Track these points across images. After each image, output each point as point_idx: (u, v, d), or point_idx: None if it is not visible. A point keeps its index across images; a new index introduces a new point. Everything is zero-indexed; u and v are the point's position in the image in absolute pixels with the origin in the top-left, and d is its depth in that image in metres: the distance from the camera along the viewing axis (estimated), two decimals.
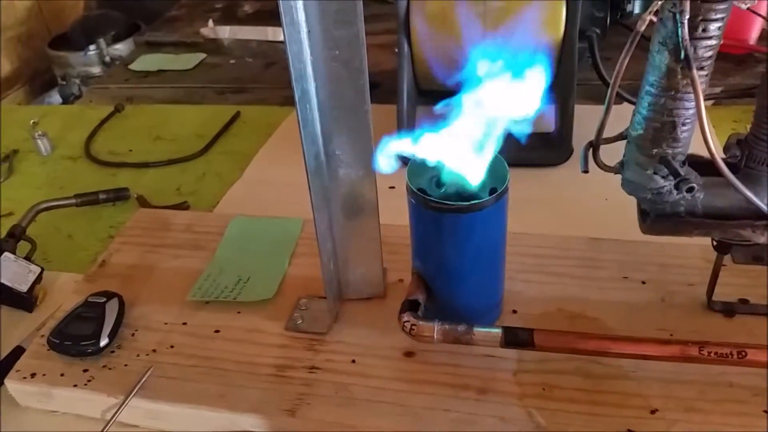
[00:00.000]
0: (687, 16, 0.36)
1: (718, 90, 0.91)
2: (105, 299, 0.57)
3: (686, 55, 0.37)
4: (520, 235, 0.58)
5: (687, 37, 0.37)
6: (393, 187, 0.74)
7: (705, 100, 0.60)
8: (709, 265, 0.52)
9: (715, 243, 0.48)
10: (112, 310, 0.57)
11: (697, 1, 0.37)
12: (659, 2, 0.36)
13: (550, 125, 0.78)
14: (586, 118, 0.77)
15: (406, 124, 0.79)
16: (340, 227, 0.53)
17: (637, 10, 0.77)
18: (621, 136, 0.44)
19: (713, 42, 0.38)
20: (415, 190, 0.47)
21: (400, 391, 0.49)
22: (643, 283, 0.56)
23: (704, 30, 0.38)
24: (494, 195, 0.46)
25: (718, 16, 0.37)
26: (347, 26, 0.44)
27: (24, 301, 0.67)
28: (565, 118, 0.74)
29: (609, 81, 0.74)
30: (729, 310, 0.52)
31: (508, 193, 0.47)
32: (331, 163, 0.50)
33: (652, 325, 0.52)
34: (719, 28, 0.38)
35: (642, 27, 0.37)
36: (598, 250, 0.59)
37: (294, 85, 0.43)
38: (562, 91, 0.73)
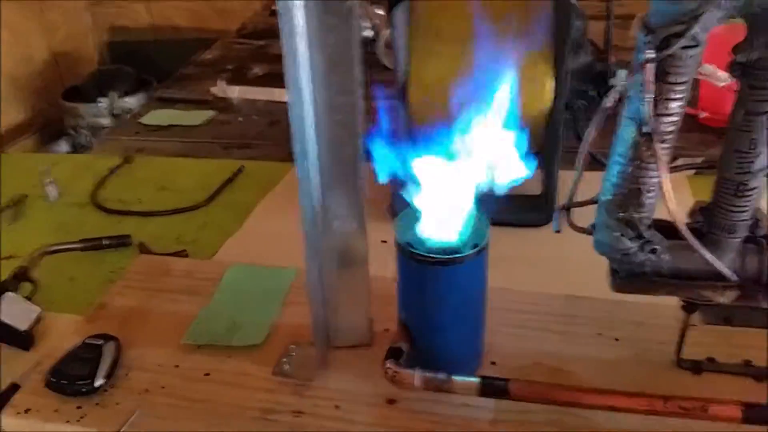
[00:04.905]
0: (651, 96, 0.40)
1: (699, 160, 0.95)
2: (102, 341, 0.60)
3: (650, 131, 0.41)
4: (503, 290, 0.60)
5: (650, 114, 0.41)
6: (385, 242, 0.77)
7: (687, 169, 0.64)
8: (680, 324, 0.54)
9: (682, 303, 0.51)
10: (108, 352, 0.59)
11: (659, 83, 0.41)
12: (624, 83, 0.41)
13: (536, 188, 0.82)
14: (570, 182, 0.81)
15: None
16: (331, 277, 0.56)
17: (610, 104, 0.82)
18: (592, 201, 0.48)
19: (674, 118, 0.42)
20: (401, 242, 0.51)
21: None
22: (617, 340, 0.58)
23: (666, 108, 0.42)
24: (474, 250, 0.49)
25: (678, 96, 0.42)
26: (347, 95, 0.48)
27: (22, 340, 0.69)
28: (550, 182, 0.78)
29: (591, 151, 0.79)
30: (697, 368, 0.54)
31: (487, 249, 0.50)
32: (325, 216, 0.54)
33: (624, 380, 0.54)
34: (680, 106, 0.42)
35: (608, 104, 0.41)
36: (575, 307, 0.61)
37: (295, 144, 0.47)
38: (548, 158, 0.78)
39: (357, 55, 0.47)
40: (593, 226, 0.48)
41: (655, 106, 0.42)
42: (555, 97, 0.77)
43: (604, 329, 0.59)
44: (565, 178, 0.79)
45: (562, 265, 0.71)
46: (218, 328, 0.63)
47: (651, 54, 0.40)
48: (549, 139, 0.77)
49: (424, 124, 0.84)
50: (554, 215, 0.47)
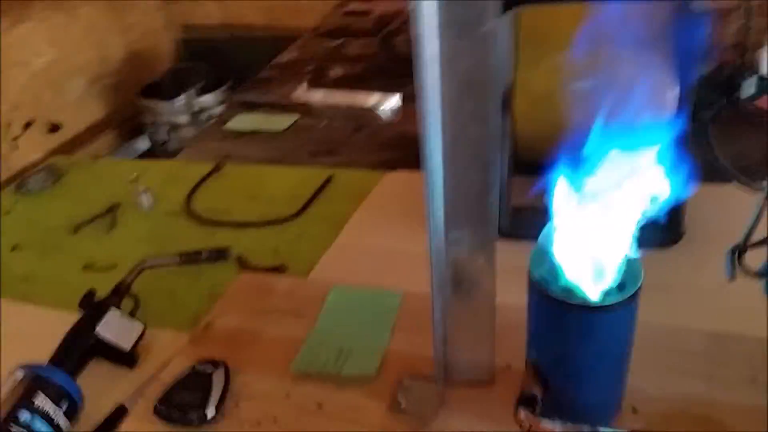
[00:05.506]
0: None
1: None
2: (212, 368, 0.58)
3: None
4: (638, 323, 0.55)
5: None
6: None
7: None
8: None
9: None
10: (218, 380, 0.57)
11: None
12: None
13: None
14: (696, 198, 0.75)
15: (504, 197, 0.79)
16: (455, 311, 0.53)
17: (751, 93, 0.75)
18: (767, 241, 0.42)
19: None
20: (537, 280, 0.46)
21: None
22: None
23: None
24: (628, 296, 0.44)
25: None
26: (479, 125, 0.44)
27: (127, 359, 0.69)
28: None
29: (723, 162, 0.72)
30: None
31: (639, 293, 0.45)
32: (451, 249, 0.50)
33: None
34: None
35: None
36: (723, 346, 0.56)
37: (425, 177, 0.44)
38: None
39: (492, 82, 0.43)
40: (765, 268, 0.43)
41: None
42: (680, 107, 0.71)
43: (757, 372, 0.53)
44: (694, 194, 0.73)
45: (697, 295, 0.65)
46: (327, 356, 0.61)
47: None
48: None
49: (531, 139, 0.79)
50: (727, 259, 0.41)
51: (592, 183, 0.46)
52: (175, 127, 2.08)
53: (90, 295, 0.73)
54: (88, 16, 2.33)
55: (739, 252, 0.41)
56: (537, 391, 0.48)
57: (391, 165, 1.00)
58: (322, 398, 0.57)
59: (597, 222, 0.44)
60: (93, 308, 0.71)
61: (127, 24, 2.52)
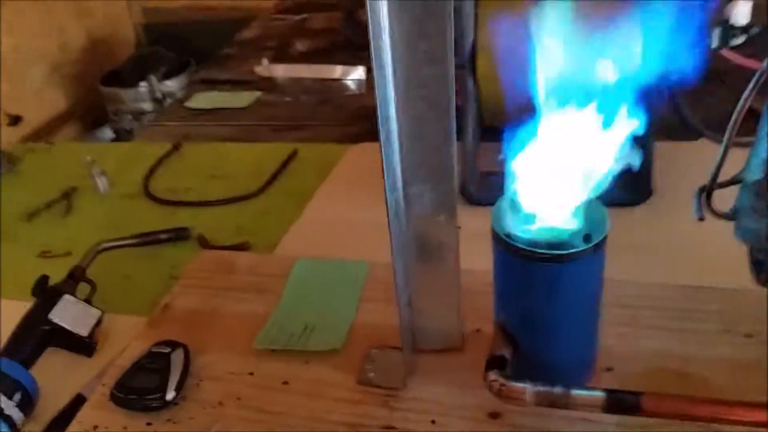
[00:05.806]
0: None
1: None
2: (170, 349, 0.55)
3: None
4: (611, 281, 0.54)
5: None
6: (458, 227, 0.71)
7: None
8: None
9: None
10: (177, 361, 0.54)
11: None
12: None
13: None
14: (665, 155, 0.73)
15: (471, 163, 0.77)
16: (419, 275, 0.50)
17: (714, 45, 0.73)
18: (736, 181, 0.40)
19: None
20: (502, 235, 0.44)
21: None
22: (748, 336, 0.51)
23: None
24: (593, 244, 0.42)
25: None
26: (435, 65, 0.41)
27: (84, 346, 0.65)
28: (644, 155, 0.70)
29: (689, 119, 0.70)
30: None
31: (606, 242, 0.43)
32: (411, 208, 0.47)
33: (761, 383, 0.47)
34: None
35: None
36: (696, 299, 0.54)
37: (380, 127, 0.41)
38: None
39: (449, 19, 0.40)
40: (735, 210, 0.41)
41: None
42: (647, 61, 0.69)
43: (731, 325, 0.51)
44: (662, 152, 0.71)
45: (668, 251, 0.64)
46: (292, 331, 0.58)
47: None
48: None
49: (494, 97, 0.77)
50: (695, 199, 0.40)
51: (555, 133, 0.44)
52: (138, 115, 2.02)
53: (43, 281, 0.70)
54: (47, 3, 2.24)
55: (707, 192, 0.39)
56: (506, 352, 0.46)
57: (356, 139, 0.97)
58: (288, 375, 0.55)
59: (561, 170, 0.42)
60: (46, 295, 0.67)
61: (86, 9, 2.44)
